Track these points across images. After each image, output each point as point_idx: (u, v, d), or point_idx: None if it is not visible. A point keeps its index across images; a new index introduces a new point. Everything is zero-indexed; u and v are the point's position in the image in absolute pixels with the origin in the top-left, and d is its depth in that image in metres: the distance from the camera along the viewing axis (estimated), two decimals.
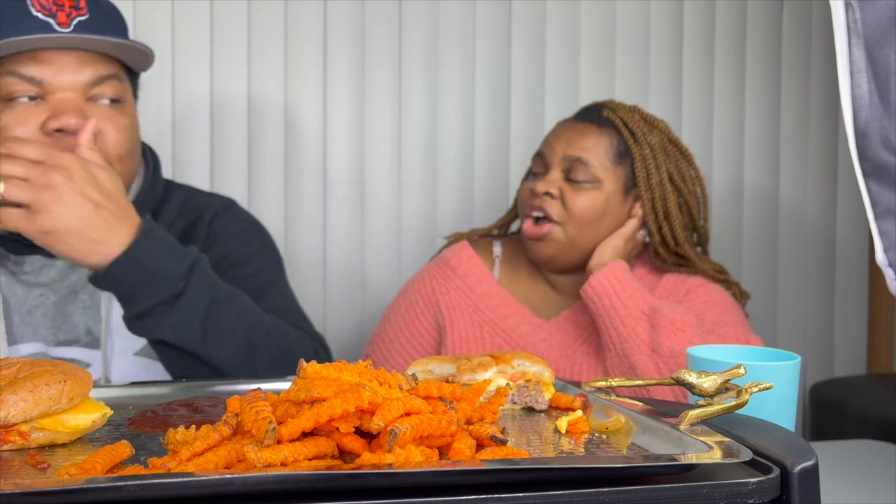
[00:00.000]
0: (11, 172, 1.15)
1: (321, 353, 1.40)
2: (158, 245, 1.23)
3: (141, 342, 1.34)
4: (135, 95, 1.43)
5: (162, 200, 1.46)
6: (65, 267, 1.36)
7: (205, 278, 1.26)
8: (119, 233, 1.20)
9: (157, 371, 1.35)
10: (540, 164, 1.65)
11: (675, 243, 1.64)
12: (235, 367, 1.27)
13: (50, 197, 1.16)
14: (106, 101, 1.32)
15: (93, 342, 1.34)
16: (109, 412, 0.83)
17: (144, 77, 1.91)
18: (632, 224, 1.63)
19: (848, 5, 0.86)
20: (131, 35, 1.88)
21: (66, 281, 1.36)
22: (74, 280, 1.36)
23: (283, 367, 1.29)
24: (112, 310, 1.35)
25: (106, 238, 1.19)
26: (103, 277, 1.20)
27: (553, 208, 1.60)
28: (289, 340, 1.34)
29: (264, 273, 1.46)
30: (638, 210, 1.64)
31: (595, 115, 1.65)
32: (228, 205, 1.52)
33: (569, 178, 1.61)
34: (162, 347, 1.27)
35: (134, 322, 1.24)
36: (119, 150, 1.33)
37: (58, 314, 1.34)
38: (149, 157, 1.46)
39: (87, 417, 0.79)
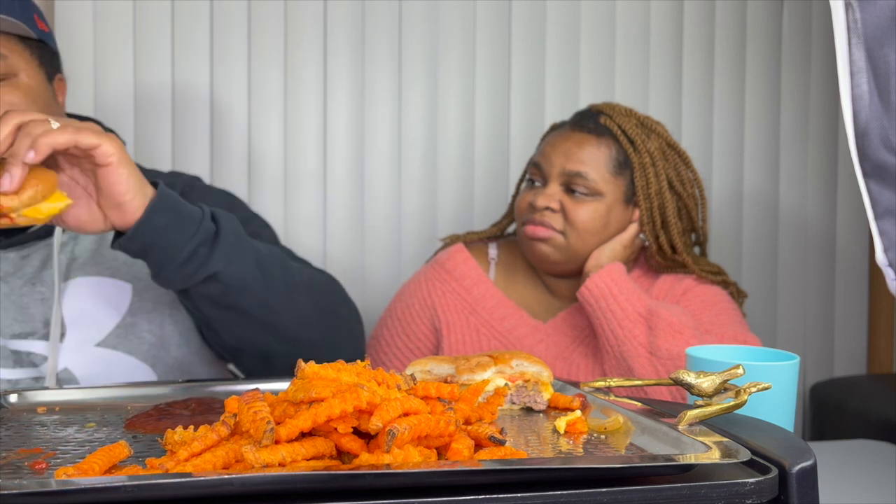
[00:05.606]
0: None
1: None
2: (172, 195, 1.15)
3: (103, 332, 1.30)
4: (50, 64, 1.35)
5: None
6: (18, 259, 1.33)
7: (231, 220, 1.20)
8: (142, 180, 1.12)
9: (119, 363, 1.30)
10: (538, 174, 1.64)
11: (672, 251, 1.64)
12: (305, 319, 1.23)
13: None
14: None
15: (50, 334, 1.29)
16: (71, 202, 1.05)
17: (147, 77, 1.92)
18: (632, 230, 1.63)
19: (848, 5, 0.86)
20: (135, 30, 1.90)
21: (21, 273, 1.33)
22: (30, 272, 1.33)
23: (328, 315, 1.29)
24: (71, 300, 1.31)
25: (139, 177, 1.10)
26: (145, 223, 1.10)
27: (555, 221, 1.59)
28: (322, 277, 1.34)
29: (265, 230, 1.43)
30: (638, 216, 1.63)
31: (592, 124, 1.63)
32: (193, 181, 1.48)
33: (569, 191, 1.60)
34: (221, 310, 1.19)
35: (181, 268, 1.13)
36: None
37: (11, 306, 1.30)
38: None
39: (56, 205, 1.04)
